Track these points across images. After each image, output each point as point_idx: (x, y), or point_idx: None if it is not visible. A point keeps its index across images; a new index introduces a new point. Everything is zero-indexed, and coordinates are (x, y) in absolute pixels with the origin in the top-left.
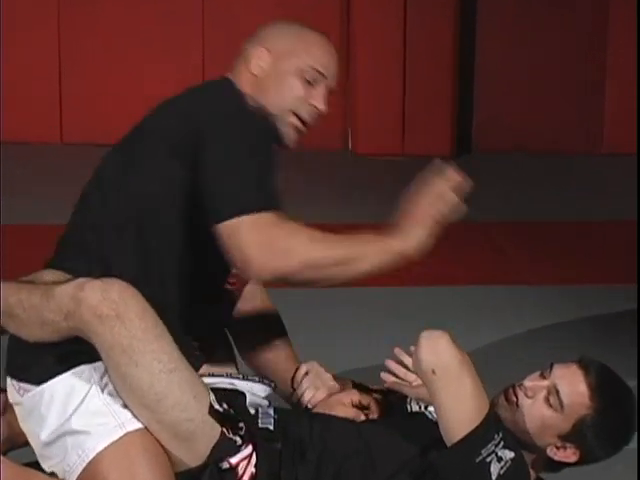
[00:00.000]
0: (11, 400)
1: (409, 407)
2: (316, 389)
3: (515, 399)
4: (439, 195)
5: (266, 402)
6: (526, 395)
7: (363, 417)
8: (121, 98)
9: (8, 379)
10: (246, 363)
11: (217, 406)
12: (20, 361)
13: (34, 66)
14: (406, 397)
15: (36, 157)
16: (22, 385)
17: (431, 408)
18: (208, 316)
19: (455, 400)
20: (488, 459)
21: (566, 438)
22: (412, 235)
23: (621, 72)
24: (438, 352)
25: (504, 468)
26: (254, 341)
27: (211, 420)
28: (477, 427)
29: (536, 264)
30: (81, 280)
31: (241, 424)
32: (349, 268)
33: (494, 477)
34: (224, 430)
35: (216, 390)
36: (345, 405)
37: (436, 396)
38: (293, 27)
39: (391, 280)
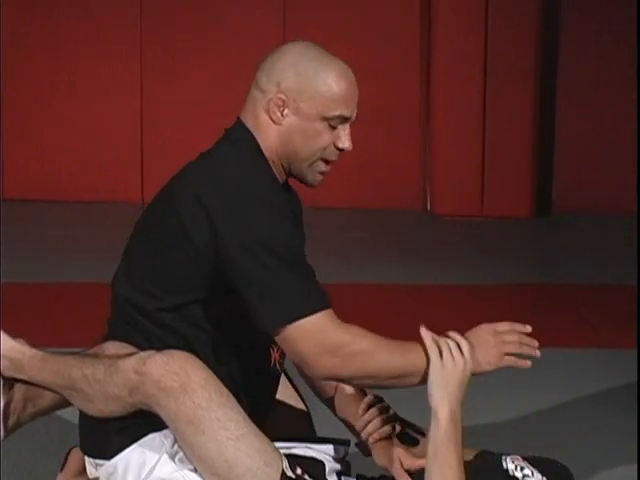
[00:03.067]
0: (89, 475)
1: (504, 464)
2: (382, 422)
3: None
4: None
5: (342, 466)
6: None
7: None
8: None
9: (84, 456)
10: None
11: (290, 473)
12: (91, 438)
13: (118, 127)
14: (501, 456)
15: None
16: (96, 461)
17: (524, 477)
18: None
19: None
20: None
21: None
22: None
23: None
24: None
25: None
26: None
27: None
28: None
29: (617, 327)
30: (143, 354)
31: None
32: (400, 382)
33: None
34: None
35: (293, 457)
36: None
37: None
38: (308, 55)
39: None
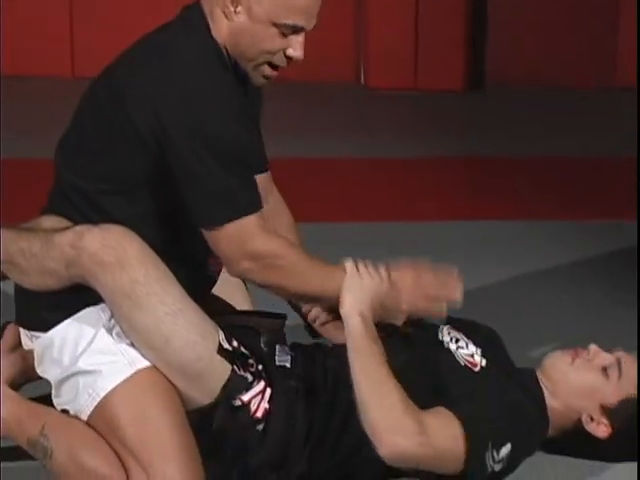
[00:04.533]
0: (25, 347)
1: (440, 335)
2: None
3: (574, 355)
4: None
5: (280, 338)
6: (587, 357)
7: None
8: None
9: (20, 328)
10: None
11: (226, 345)
12: (27, 311)
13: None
14: (438, 326)
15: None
16: (32, 333)
17: (458, 349)
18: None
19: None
20: (491, 471)
21: (607, 411)
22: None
23: (634, 5)
24: None
25: (506, 461)
26: None
27: (220, 358)
28: (468, 464)
29: (548, 199)
30: (80, 228)
31: (251, 361)
32: (314, 302)
33: (500, 470)
34: (234, 368)
35: (229, 329)
36: None
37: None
38: None
39: (398, 215)
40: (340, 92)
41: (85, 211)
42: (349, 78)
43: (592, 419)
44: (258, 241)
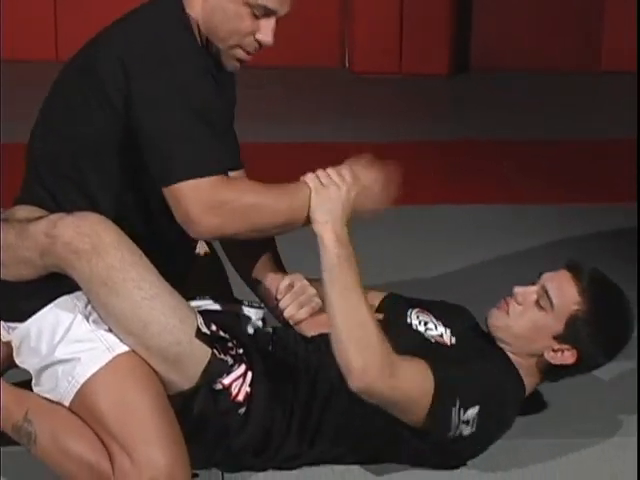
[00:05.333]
0: (2, 339)
1: (409, 319)
2: (300, 306)
3: (506, 307)
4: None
5: (260, 324)
6: (517, 302)
7: None
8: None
9: None
10: (237, 271)
11: (205, 329)
12: (4, 301)
13: None
14: (407, 310)
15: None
16: (9, 324)
17: (426, 331)
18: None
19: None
20: (458, 432)
21: (561, 338)
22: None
23: None
24: None
25: (474, 425)
26: (239, 244)
27: (199, 342)
28: (432, 414)
29: (534, 183)
30: (54, 217)
31: (230, 344)
32: (287, 229)
33: (468, 435)
34: (214, 351)
35: (206, 313)
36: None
37: None
38: None
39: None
40: (325, 77)
41: (58, 195)
42: (334, 63)
43: (555, 351)
44: (221, 190)
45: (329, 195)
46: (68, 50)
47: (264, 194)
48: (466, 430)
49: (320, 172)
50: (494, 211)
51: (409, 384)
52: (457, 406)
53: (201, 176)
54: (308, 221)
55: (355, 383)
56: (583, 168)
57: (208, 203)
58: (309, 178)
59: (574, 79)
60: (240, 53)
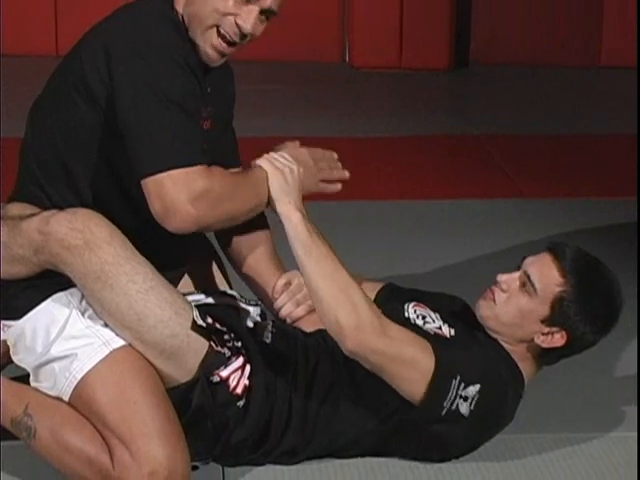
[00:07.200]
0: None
1: (407, 314)
2: (296, 304)
3: (492, 296)
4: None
5: (259, 318)
6: (501, 290)
7: None
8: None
9: None
10: (235, 270)
11: (200, 321)
12: None
13: None
14: (403, 304)
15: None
16: (4, 322)
17: (425, 324)
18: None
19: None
20: (454, 406)
21: (549, 321)
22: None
23: None
24: None
25: (473, 404)
26: (236, 242)
27: (195, 335)
28: (431, 383)
29: (534, 177)
30: (46, 214)
31: (227, 336)
32: (253, 213)
33: (466, 415)
34: (211, 344)
35: (202, 306)
36: None
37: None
38: None
39: (382, 193)
40: (325, 71)
41: (50, 190)
42: (334, 57)
43: (544, 335)
44: (201, 180)
45: (285, 176)
46: (68, 45)
47: (233, 182)
48: (463, 407)
49: (270, 155)
50: (495, 205)
51: (405, 343)
52: (458, 379)
53: (183, 165)
54: (268, 202)
55: (349, 342)
56: (584, 162)
57: (188, 193)
58: (263, 162)
59: (574, 73)
60: (216, 39)
